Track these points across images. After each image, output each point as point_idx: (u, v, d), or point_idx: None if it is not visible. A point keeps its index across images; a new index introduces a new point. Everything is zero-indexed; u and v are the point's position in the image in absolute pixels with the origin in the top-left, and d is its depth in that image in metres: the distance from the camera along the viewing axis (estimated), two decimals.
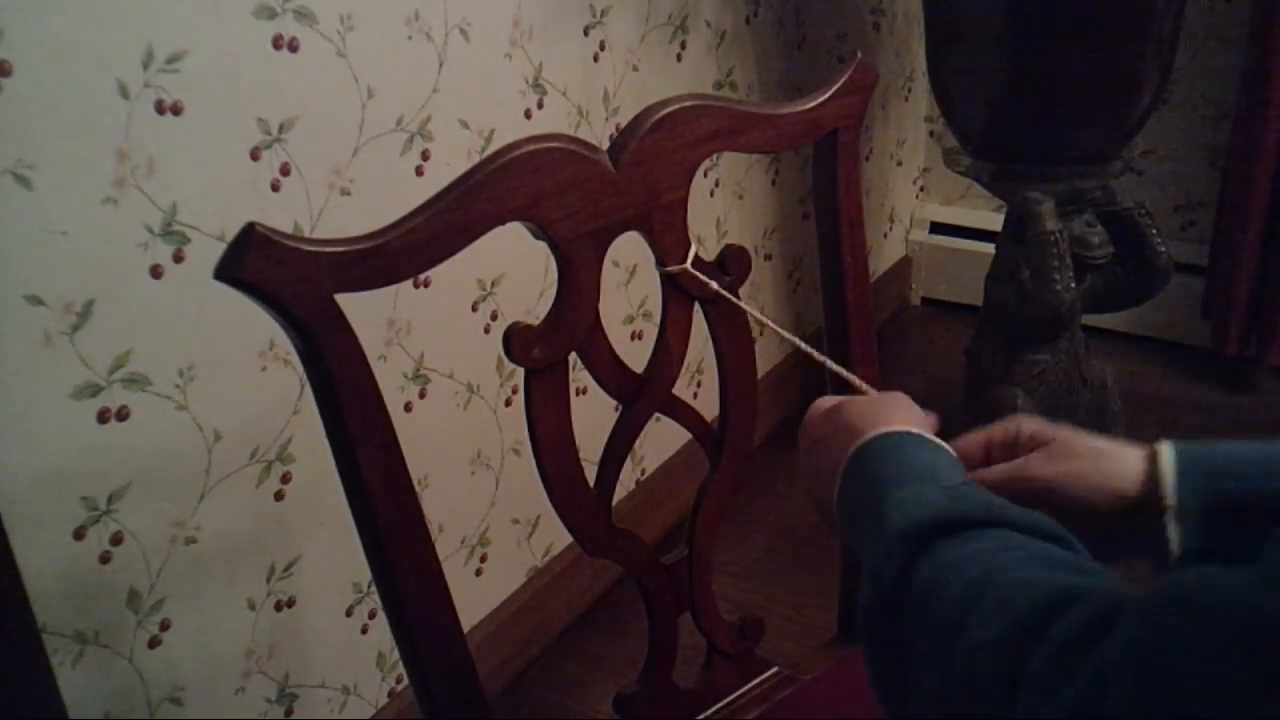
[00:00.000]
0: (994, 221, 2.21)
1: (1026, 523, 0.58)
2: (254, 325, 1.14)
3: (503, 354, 0.79)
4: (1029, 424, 0.75)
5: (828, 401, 0.76)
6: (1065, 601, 0.50)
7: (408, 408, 1.40)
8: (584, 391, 1.01)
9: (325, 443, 0.73)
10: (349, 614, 1.40)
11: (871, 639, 0.59)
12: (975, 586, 0.53)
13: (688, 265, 0.86)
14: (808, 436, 0.75)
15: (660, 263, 0.86)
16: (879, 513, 0.61)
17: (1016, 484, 0.72)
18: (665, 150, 0.83)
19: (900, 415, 0.69)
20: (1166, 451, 0.68)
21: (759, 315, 0.90)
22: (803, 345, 0.86)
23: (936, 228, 2.75)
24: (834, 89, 0.92)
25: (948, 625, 0.53)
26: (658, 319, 0.90)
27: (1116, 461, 0.70)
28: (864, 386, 0.82)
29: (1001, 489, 0.72)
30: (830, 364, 0.85)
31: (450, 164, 1.37)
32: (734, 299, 0.88)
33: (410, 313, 1.37)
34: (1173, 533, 0.67)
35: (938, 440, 0.68)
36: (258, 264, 0.65)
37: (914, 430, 0.68)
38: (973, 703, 0.51)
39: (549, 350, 0.80)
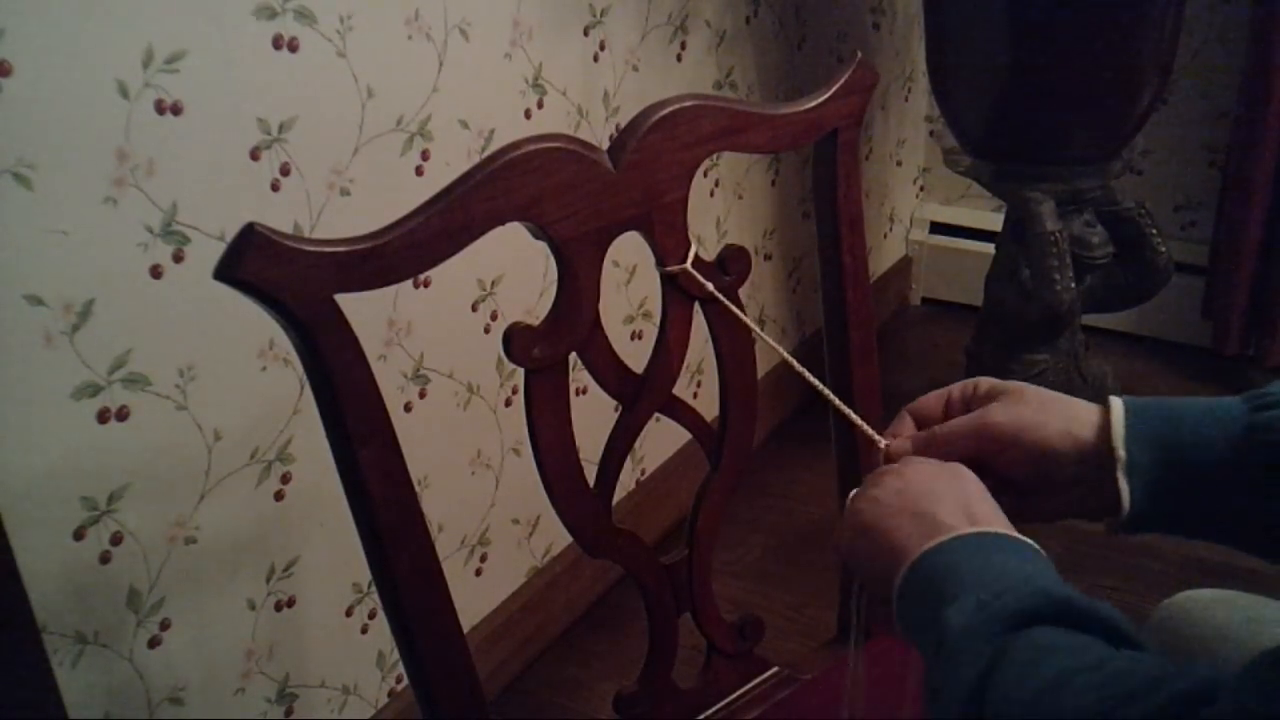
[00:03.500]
0: (994, 221, 2.21)
1: (1090, 613, 0.56)
2: (254, 325, 1.14)
3: (503, 354, 0.79)
4: (985, 381, 0.75)
5: (888, 477, 0.70)
6: (1148, 686, 0.49)
7: (408, 408, 1.40)
8: (584, 391, 1.01)
9: (325, 443, 0.73)
10: (349, 614, 1.40)
11: None
12: (1056, 681, 0.52)
13: (688, 265, 0.86)
14: (850, 555, 0.70)
15: (660, 263, 0.86)
16: (940, 627, 0.58)
17: (977, 432, 0.72)
18: (665, 150, 0.83)
19: (938, 507, 0.65)
20: (1117, 404, 0.69)
21: (752, 324, 0.90)
22: (799, 366, 0.86)
23: (936, 228, 2.75)
24: (834, 89, 0.92)
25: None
26: (658, 319, 0.90)
27: (1072, 409, 0.71)
28: (859, 421, 0.80)
29: (963, 439, 0.72)
30: (828, 394, 0.85)
31: (450, 164, 1.37)
32: (730, 304, 0.88)
33: (410, 313, 1.37)
34: (1124, 487, 0.68)
35: (987, 530, 0.63)
36: (258, 264, 0.65)
37: (959, 533, 0.63)
38: None
39: (549, 350, 0.80)
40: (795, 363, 0.84)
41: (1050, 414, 0.71)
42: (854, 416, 0.80)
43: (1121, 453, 0.68)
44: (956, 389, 0.76)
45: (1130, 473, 0.68)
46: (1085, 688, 0.51)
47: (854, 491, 0.71)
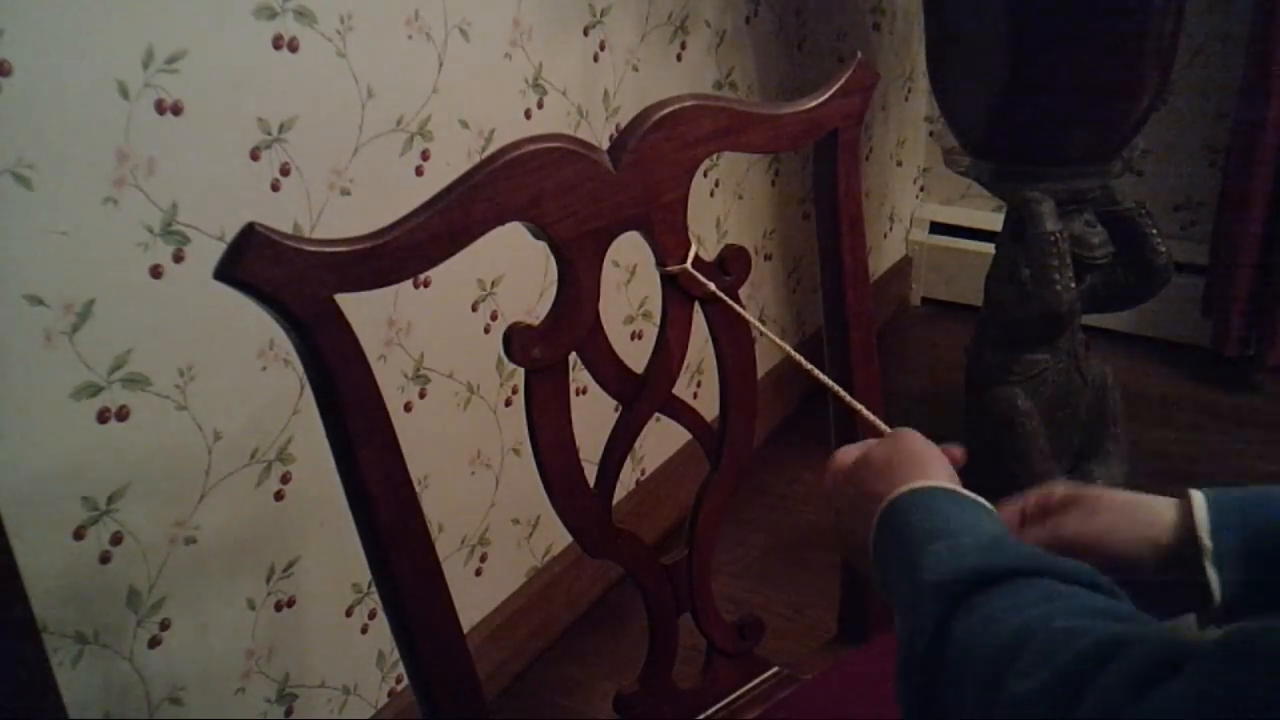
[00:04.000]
0: (994, 221, 2.21)
1: (1067, 571, 0.57)
2: (254, 325, 1.14)
3: (503, 354, 0.79)
4: (1061, 488, 0.75)
5: (848, 456, 0.74)
6: (1112, 648, 0.49)
7: (408, 408, 1.40)
8: (584, 391, 1.01)
9: (325, 443, 0.73)
10: (349, 614, 1.40)
11: (910, 696, 0.58)
12: (1017, 639, 0.52)
13: (688, 265, 0.86)
14: (836, 499, 0.74)
15: (660, 263, 0.86)
16: (913, 568, 0.60)
17: (1053, 545, 0.71)
18: (665, 150, 0.83)
19: (925, 466, 0.68)
20: (1198, 497, 0.69)
21: (755, 321, 0.90)
22: (814, 369, 0.86)
23: (936, 228, 2.75)
24: (834, 89, 0.92)
25: (989, 679, 0.52)
26: (658, 319, 0.90)
27: (1149, 511, 0.70)
28: (866, 413, 0.81)
29: None
30: (834, 388, 0.85)
31: (450, 164, 1.37)
32: (732, 302, 0.88)
33: (410, 313, 1.37)
34: (1213, 578, 0.67)
35: (968, 493, 0.67)
36: (258, 264, 0.66)
37: (944, 485, 0.67)
38: None
39: (549, 350, 0.80)
40: (809, 364, 0.84)
41: (1126, 521, 0.71)
42: (866, 412, 0.81)
43: (1208, 543, 0.67)
44: (1033, 499, 0.75)
45: (1218, 563, 0.67)
46: (1048, 645, 0.51)
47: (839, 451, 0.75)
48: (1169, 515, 0.69)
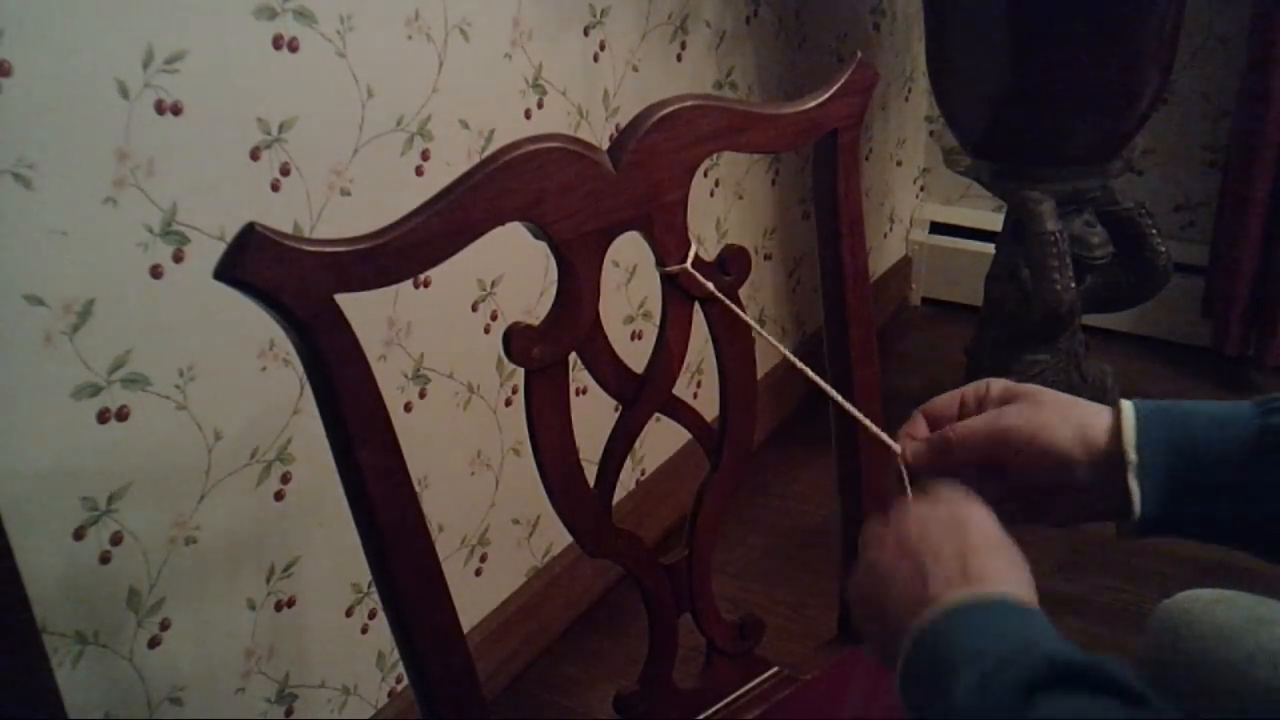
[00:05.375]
0: (994, 221, 2.21)
1: (1101, 678, 0.54)
2: (254, 325, 1.14)
3: (503, 354, 0.79)
4: (998, 383, 0.76)
5: (880, 536, 0.67)
6: None
7: (408, 408, 1.40)
8: (584, 391, 1.01)
9: (325, 443, 0.73)
10: (349, 614, 1.40)
11: None
12: None
13: (688, 265, 0.86)
14: (864, 579, 0.66)
15: (660, 263, 0.86)
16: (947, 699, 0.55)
17: (992, 435, 0.72)
18: (665, 150, 0.83)
19: (971, 563, 0.61)
20: (1127, 408, 0.69)
21: (753, 323, 0.90)
22: (811, 373, 0.86)
23: (936, 228, 2.75)
24: (834, 89, 0.92)
25: None
26: (658, 319, 0.90)
27: (1086, 413, 0.71)
28: (867, 422, 0.80)
29: (978, 440, 0.73)
30: (838, 398, 0.85)
31: (450, 164, 1.37)
32: (731, 303, 0.88)
33: (410, 313, 1.37)
34: (1134, 490, 0.68)
35: (990, 596, 0.60)
36: (258, 264, 0.65)
37: (992, 593, 0.60)
38: None
39: (549, 350, 0.80)
40: (807, 369, 0.84)
41: (1064, 417, 0.71)
42: (866, 421, 0.80)
43: (1133, 456, 0.68)
44: (970, 390, 0.76)
45: (1141, 476, 0.68)
46: None
47: (865, 534, 0.69)
48: (1103, 420, 0.70)
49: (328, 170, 1.22)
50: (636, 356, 0.88)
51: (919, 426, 0.77)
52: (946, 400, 0.77)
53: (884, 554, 0.65)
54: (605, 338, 0.84)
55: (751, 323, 0.89)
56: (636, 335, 1.77)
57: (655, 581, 0.93)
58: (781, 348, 0.85)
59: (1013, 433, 0.71)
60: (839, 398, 0.84)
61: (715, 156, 1.79)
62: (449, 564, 1.34)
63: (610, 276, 1.67)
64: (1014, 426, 0.72)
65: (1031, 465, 0.71)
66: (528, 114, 1.49)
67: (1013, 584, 0.61)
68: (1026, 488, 0.73)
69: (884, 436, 0.78)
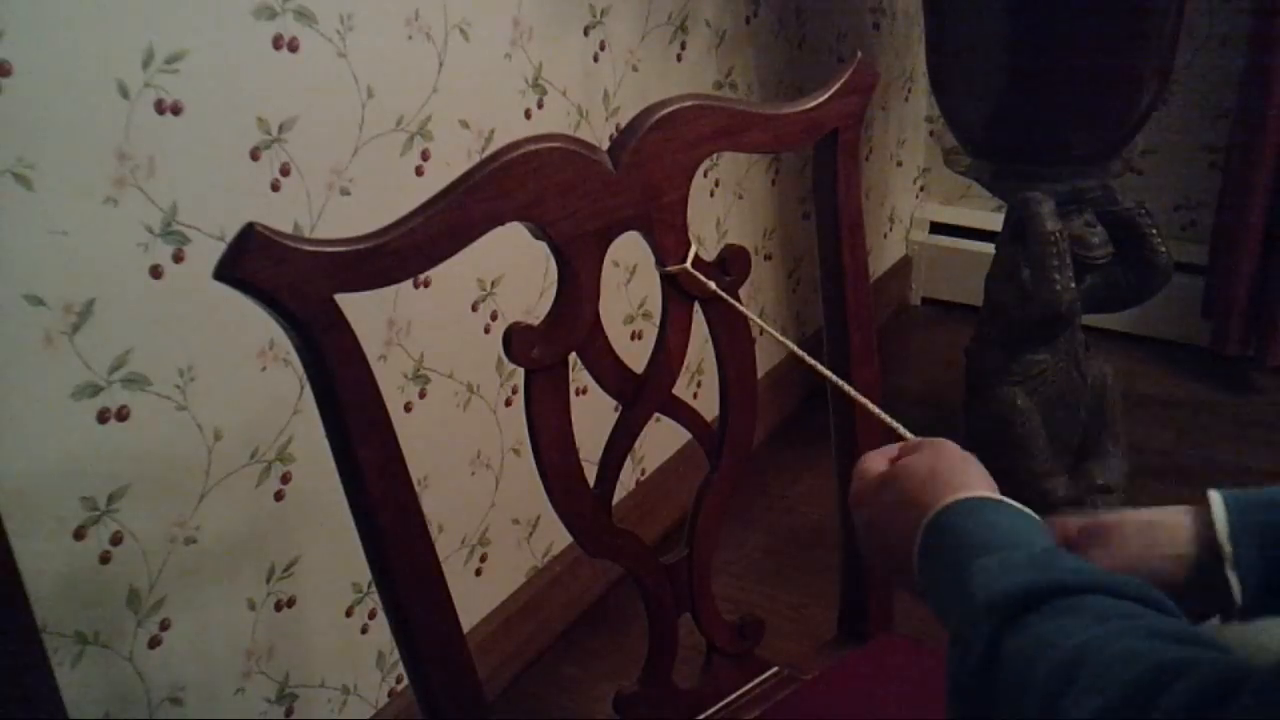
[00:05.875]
0: (994, 221, 2.21)
1: (1119, 587, 0.56)
2: (254, 325, 1.14)
3: (503, 354, 0.79)
4: (1074, 521, 0.74)
5: (876, 464, 0.73)
6: (1171, 675, 0.48)
7: (408, 408, 1.40)
8: (584, 391, 1.01)
9: (325, 443, 0.73)
10: (349, 614, 1.40)
11: (962, 715, 0.57)
12: (1071, 661, 0.51)
13: (688, 265, 0.86)
14: (866, 508, 0.72)
15: (660, 263, 0.86)
16: (963, 583, 0.59)
17: None
18: (665, 150, 0.83)
19: (968, 476, 0.67)
20: (1216, 501, 0.68)
21: (757, 319, 0.90)
22: (827, 372, 0.86)
23: (936, 228, 2.75)
24: (834, 89, 0.92)
25: (1045, 703, 0.51)
26: (658, 319, 0.90)
27: (1169, 529, 0.70)
28: (888, 419, 0.80)
29: None
30: (858, 396, 0.85)
31: (450, 164, 1.37)
32: (734, 301, 0.88)
33: (410, 313, 1.37)
34: (1234, 581, 0.67)
35: (1017, 504, 0.65)
36: (258, 264, 0.66)
37: (989, 494, 0.66)
38: None
39: (549, 350, 0.80)
40: (815, 363, 0.84)
41: (1149, 546, 0.70)
42: (883, 414, 0.80)
43: (1228, 548, 0.67)
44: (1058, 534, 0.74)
45: (1239, 566, 0.67)
46: (1104, 670, 0.50)
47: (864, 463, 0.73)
48: (1188, 526, 0.69)
49: (328, 170, 1.22)
50: (636, 356, 0.88)
51: None
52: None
53: (892, 475, 0.70)
54: (605, 338, 0.84)
55: (754, 317, 0.89)
56: (636, 335, 1.77)
57: (655, 581, 0.93)
58: (788, 342, 0.85)
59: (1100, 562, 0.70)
60: (850, 389, 0.84)
61: (715, 156, 1.79)
62: (449, 564, 1.35)
63: (610, 276, 1.67)
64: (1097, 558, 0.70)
65: None
66: (528, 114, 1.49)
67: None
68: None
69: (900, 428, 0.78)
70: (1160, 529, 0.71)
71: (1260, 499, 0.69)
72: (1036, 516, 0.65)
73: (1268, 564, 0.67)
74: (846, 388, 0.84)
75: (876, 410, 0.82)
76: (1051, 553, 0.60)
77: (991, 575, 0.58)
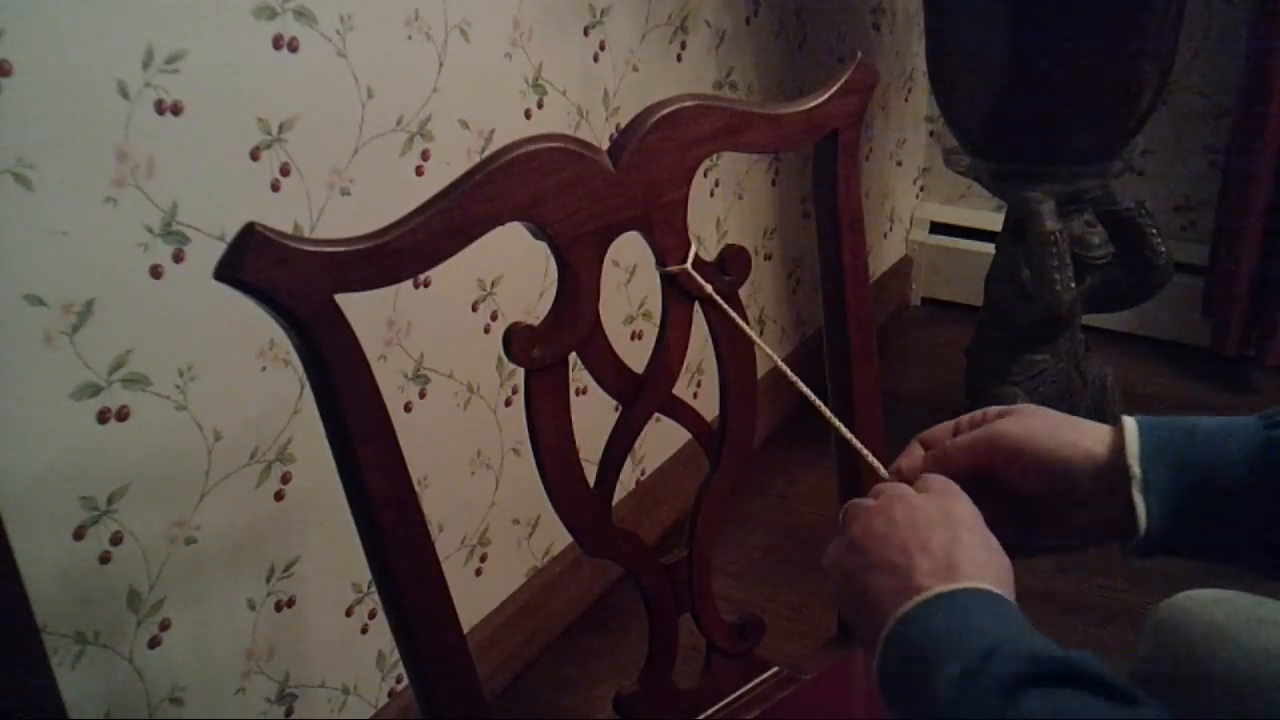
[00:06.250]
0: (994, 221, 2.21)
1: (1078, 671, 0.53)
2: (254, 325, 1.14)
3: (503, 354, 0.79)
4: (994, 408, 0.75)
5: (859, 520, 0.67)
6: None
7: (408, 408, 1.40)
8: (584, 391, 1.01)
9: (325, 443, 0.73)
10: (349, 614, 1.40)
11: None
12: None
13: (688, 265, 0.86)
14: (840, 567, 0.67)
15: (660, 263, 0.86)
16: (928, 695, 0.55)
17: (988, 443, 0.71)
18: (665, 150, 0.83)
19: (937, 549, 0.61)
20: (1130, 423, 0.68)
21: (748, 328, 0.90)
22: (814, 397, 0.86)
23: (936, 228, 2.75)
24: (834, 89, 0.92)
25: None
26: (658, 319, 0.90)
27: (1084, 426, 0.70)
28: (873, 460, 0.79)
29: (973, 451, 0.72)
30: (835, 421, 0.85)
31: (450, 164, 1.37)
32: (728, 308, 0.88)
33: (410, 313, 1.37)
34: (1139, 505, 0.67)
35: (998, 593, 0.60)
36: (258, 264, 0.65)
37: (975, 586, 0.60)
38: None
39: (549, 350, 0.80)
40: (798, 380, 0.83)
41: (1059, 426, 0.70)
42: (863, 449, 0.79)
43: (1137, 470, 0.66)
44: (965, 417, 0.75)
45: (1146, 490, 0.66)
46: None
47: (845, 508, 0.69)
48: (1104, 435, 0.69)
49: (328, 170, 1.22)
50: (636, 356, 0.88)
51: (915, 454, 0.75)
52: (943, 428, 0.76)
53: (870, 536, 0.65)
54: (605, 338, 0.84)
55: (746, 327, 0.89)
56: (636, 335, 1.77)
57: (655, 581, 0.93)
58: (775, 356, 0.85)
59: (1006, 439, 0.70)
60: (828, 413, 0.83)
61: (715, 156, 1.79)
62: (449, 564, 1.35)
63: (610, 276, 1.67)
64: (1007, 433, 0.71)
65: (1028, 474, 0.70)
66: (528, 114, 1.49)
67: (993, 580, 0.61)
68: (1023, 502, 0.72)
69: (878, 466, 0.77)
70: (1075, 423, 0.71)
71: (1176, 426, 0.68)
72: (1002, 595, 0.60)
73: (1174, 495, 0.67)
74: (819, 402, 0.83)
75: (853, 439, 0.80)
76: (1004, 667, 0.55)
77: (954, 692, 0.54)
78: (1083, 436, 0.69)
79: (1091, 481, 0.68)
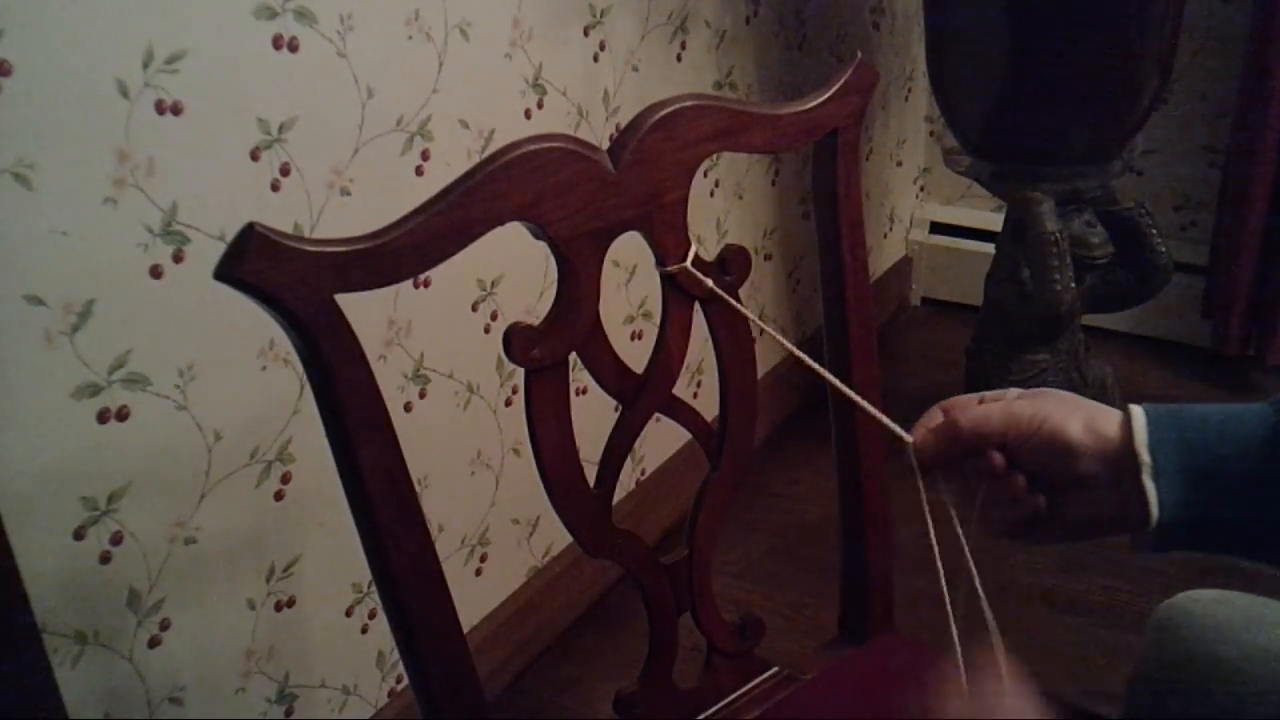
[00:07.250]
0: (994, 221, 2.21)
1: None
2: (254, 325, 1.14)
3: (503, 354, 0.79)
4: (1015, 389, 0.76)
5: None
6: None
7: (408, 408, 1.40)
8: (584, 391, 1.01)
9: (325, 443, 0.73)
10: (349, 614, 1.40)
11: None
12: None
13: (688, 265, 0.86)
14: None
15: (660, 263, 0.86)
16: None
17: (1002, 419, 0.72)
18: (665, 150, 0.83)
19: None
20: (1138, 411, 0.69)
21: (757, 320, 0.90)
22: (822, 370, 0.86)
23: (936, 228, 2.75)
24: (834, 89, 0.92)
25: None
26: (658, 319, 0.90)
27: (1097, 409, 0.71)
28: (882, 418, 0.79)
29: (987, 426, 0.72)
30: (842, 388, 0.85)
31: (450, 164, 1.37)
32: (734, 301, 0.88)
33: (410, 313, 1.37)
34: (1150, 491, 0.67)
35: None
36: (258, 264, 0.65)
37: None
38: None
39: (549, 350, 0.80)
40: (813, 364, 0.83)
41: (1074, 408, 0.71)
42: (878, 414, 0.80)
43: (1146, 457, 0.67)
44: (990, 393, 0.76)
45: (1157, 476, 0.66)
46: None
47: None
48: (1115, 419, 0.69)
49: (328, 170, 1.22)
50: (636, 356, 0.88)
51: (934, 418, 0.76)
52: (967, 398, 0.76)
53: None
54: (605, 338, 0.84)
55: (753, 318, 0.89)
56: (636, 335, 1.77)
57: (655, 581, 0.93)
58: (787, 343, 0.85)
59: (1021, 418, 0.71)
60: (846, 389, 0.83)
61: (715, 156, 1.79)
62: (449, 564, 1.34)
63: (610, 276, 1.67)
64: (1022, 412, 0.71)
65: (1040, 454, 0.70)
66: (528, 114, 1.49)
67: None
68: (1037, 482, 0.72)
69: (895, 428, 0.78)
70: (1091, 405, 0.71)
71: (1184, 414, 0.68)
72: None
73: (1185, 483, 0.66)
74: (836, 382, 0.84)
75: (869, 408, 0.81)
76: None
77: None
78: (1094, 420, 0.70)
79: (1102, 467, 0.69)
